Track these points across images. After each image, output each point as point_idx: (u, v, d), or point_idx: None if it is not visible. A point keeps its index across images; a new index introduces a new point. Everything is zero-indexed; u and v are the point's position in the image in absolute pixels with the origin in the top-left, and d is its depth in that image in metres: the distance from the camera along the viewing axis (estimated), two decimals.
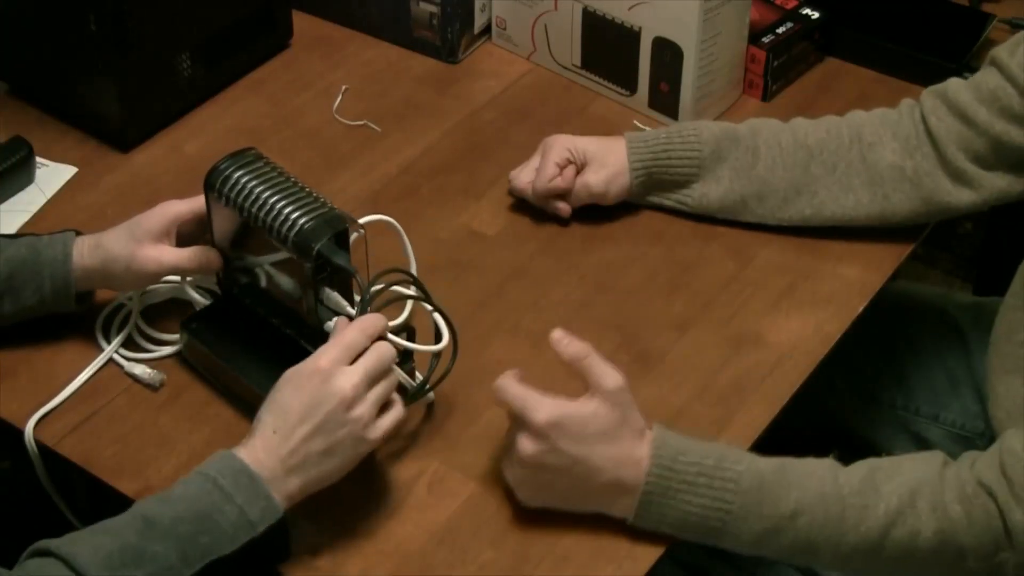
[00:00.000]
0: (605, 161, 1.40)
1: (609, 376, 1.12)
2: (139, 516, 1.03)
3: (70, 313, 1.27)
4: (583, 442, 1.10)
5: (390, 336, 1.14)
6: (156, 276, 1.25)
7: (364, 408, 1.07)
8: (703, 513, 1.10)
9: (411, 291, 1.22)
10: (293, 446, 1.06)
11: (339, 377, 1.07)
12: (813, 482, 1.11)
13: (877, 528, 1.10)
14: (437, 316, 1.20)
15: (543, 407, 1.10)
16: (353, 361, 1.09)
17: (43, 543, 1.01)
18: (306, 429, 1.06)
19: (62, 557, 0.99)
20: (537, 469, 1.11)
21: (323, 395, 1.06)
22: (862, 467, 1.13)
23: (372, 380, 1.08)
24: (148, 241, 1.22)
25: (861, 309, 1.35)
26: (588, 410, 1.11)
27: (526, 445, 1.10)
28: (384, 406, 1.10)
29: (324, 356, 1.08)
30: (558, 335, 1.14)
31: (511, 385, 1.12)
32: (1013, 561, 1.09)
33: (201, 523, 1.02)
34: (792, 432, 1.16)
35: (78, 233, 1.26)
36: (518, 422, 1.12)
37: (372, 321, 1.11)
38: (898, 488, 1.11)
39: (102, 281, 1.26)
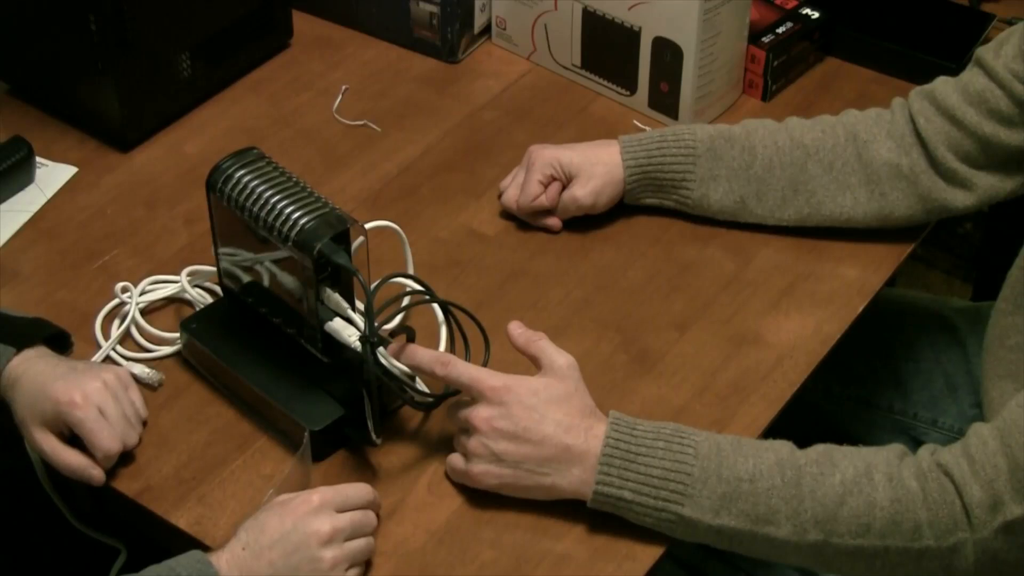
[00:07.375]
0: (593, 172, 1.40)
1: (560, 355, 1.17)
2: None
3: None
4: (534, 409, 1.13)
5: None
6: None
7: (336, 552, 1.08)
8: (664, 475, 1.12)
9: (425, 297, 1.22)
10: (256, 567, 1.06)
11: (324, 516, 1.08)
12: (770, 453, 1.13)
13: (833, 495, 1.11)
14: (439, 311, 1.20)
15: (496, 375, 1.15)
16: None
17: None
18: (274, 554, 1.06)
19: None
20: (491, 437, 1.13)
21: (302, 525, 1.07)
22: (819, 447, 1.15)
23: (352, 536, 1.09)
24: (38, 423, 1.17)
25: (861, 309, 1.35)
26: (540, 382, 1.16)
27: (480, 411, 1.14)
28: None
29: (318, 493, 1.10)
30: (514, 325, 1.19)
31: (459, 362, 1.15)
32: (971, 542, 1.09)
33: None
34: (790, 437, 1.16)
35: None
36: (470, 397, 1.15)
37: (367, 495, 1.12)
38: (855, 461, 1.13)
39: None
